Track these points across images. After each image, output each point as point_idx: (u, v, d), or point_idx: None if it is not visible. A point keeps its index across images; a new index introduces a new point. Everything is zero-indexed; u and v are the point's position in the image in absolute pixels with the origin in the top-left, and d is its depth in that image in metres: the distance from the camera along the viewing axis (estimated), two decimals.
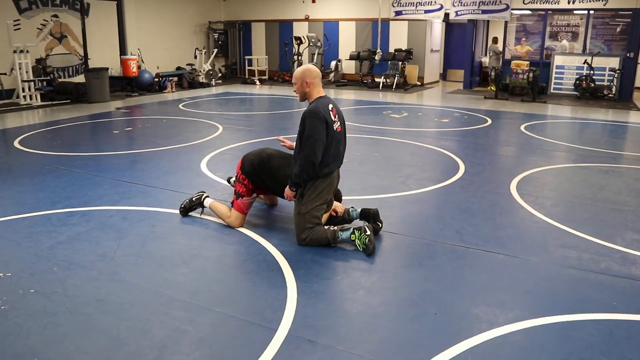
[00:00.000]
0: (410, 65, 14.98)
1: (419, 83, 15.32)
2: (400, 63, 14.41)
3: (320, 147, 3.63)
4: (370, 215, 3.98)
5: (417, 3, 14.47)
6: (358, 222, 4.08)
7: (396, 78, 14.24)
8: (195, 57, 16.06)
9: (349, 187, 5.19)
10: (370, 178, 5.58)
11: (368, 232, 3.64)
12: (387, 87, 14.31)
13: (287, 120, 9.55)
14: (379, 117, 9.82)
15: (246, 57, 17.70)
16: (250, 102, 12.07)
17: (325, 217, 4.02)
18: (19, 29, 11.51)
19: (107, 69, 12.46)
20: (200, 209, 4.44)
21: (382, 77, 14.48)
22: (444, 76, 17.71)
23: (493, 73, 13.43)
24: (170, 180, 5.49)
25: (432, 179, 5.54)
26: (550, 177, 5.78)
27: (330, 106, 3.75)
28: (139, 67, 14.37)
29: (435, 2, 14.26)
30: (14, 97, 11.81)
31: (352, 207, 4.11)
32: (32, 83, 11.69)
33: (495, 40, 14.80)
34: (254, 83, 16.23)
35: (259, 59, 17.48)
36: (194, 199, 4.44)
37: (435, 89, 15.08)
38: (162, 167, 6.06)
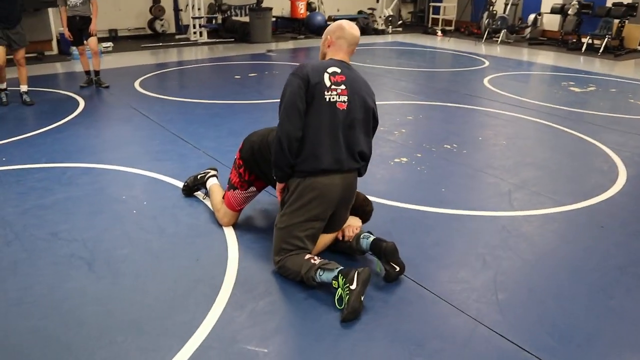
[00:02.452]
0: (632, 24, 11.62)
1: None
2: (616, 21, 11.23)
3: (293, 117, 2.47)
4: (381, 252, 2.62)
5: None
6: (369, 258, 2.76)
7: (606, 39, 11.16)
8: (377, 1, 14.87)
9: (423, 188, 3.76)
10: (466, 181, 4.00)
11: (354, 286, 2.32)
12: (593, 50, 11.33)
13: (437, 81, 7.92)
14: (552, 88, 7.60)
15: (431, 3, 15.82)
16: (413, 56, 10.53)
17: (328, 238, 2.79)
18: None
19: (271, 9, 12.05)
20: (204, 190, 3.56)
21: (588, 37, 11.50)
22: None
23: None
24: (225, 142, 4.70)
25: (561, 193, 3.75)
26: None
27: (335, 69, 2.55)
28: (313, 9, 13.80)
29: None
30: (187, 33, 12.19)
31: (367, 233, 2.77)
32: (200, 20, 11.88)
33: None
34: (435, 34, 14.47)
35: (447, 7, 15.48)
36: (199, 176, 3.55)
37: None
38: (234, 124, 5.28)
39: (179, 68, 8.53)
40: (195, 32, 11.94)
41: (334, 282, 2.41)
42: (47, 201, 3.50)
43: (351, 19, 14.32)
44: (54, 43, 10.02)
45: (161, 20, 12.14)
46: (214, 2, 12.91)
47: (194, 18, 11.81)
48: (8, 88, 6.11)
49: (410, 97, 6.58)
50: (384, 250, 2.58)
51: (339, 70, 2.58)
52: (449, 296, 2.51)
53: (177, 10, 12.71)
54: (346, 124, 2.57)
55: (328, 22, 13.65)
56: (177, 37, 12.37)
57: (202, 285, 2.56)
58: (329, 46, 2.69)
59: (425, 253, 2.89)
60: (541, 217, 3.38)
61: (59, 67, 8.57)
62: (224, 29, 12.43)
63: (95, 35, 6.79)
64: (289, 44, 11.84)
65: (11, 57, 5.92)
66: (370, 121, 2.69)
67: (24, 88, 6.08)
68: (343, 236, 2.80)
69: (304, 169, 2.54)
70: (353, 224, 2.83)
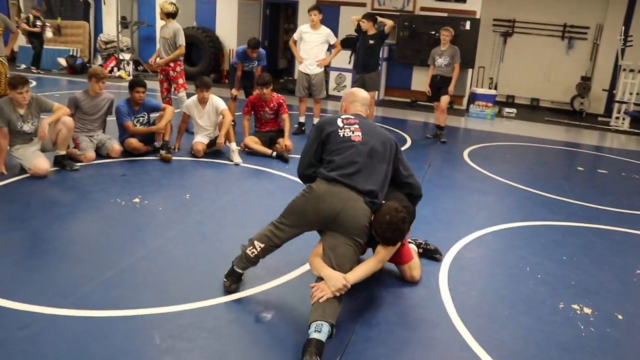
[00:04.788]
0: None
1: None
2: None
3: (303, 160, 3.06)
4: None
5: None
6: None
7: None
8: None
9: None
10: None
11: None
12: None
13: None
14: None
15: None
16: None
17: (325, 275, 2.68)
18: (631, 45, 10.49)
19: None
20: None
21: None
22: None
23: None
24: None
25: None
26: None
27: (348, 116, 3.05)
28: None
29: None
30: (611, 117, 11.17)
31: (325, 323, 2.47)
32: (627, 105, 10.67)
33: None
34: None
35: None
36: None
37: None
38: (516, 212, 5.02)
39: (540, 145, 8.12)
40: (617, 118, 10.81)
41: None
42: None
43: None
44: (465, 99, 11.16)
45: (582, 98, 11.55)
46: None
47: (618, 102, 10.70)
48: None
49: None
50: None
51: (352, 117, 3.03)
52: None
53: (610, 91, 11.75)
54: (365, 152, 2.85)
55: None
56: (599, 119, 11.49)
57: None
58: (345, 111, 3.20)
59: None
60: None
61: (453, 120, 9.42)
62: None
63: (448, 94, 7.43)
64: None
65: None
66: (390, 153, 2.95)
67: None
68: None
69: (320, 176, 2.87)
70: (332, 280, 2.61)
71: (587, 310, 3.23)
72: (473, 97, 10.94)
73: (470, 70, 11.00)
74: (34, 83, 10.34)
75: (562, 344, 2.85)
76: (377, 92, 8.05)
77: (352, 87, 7.47)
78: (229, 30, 12.24)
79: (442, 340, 2.79)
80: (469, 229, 4.32)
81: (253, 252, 2.96)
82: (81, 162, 5.27)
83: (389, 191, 2.97)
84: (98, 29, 13.28)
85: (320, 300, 2.56)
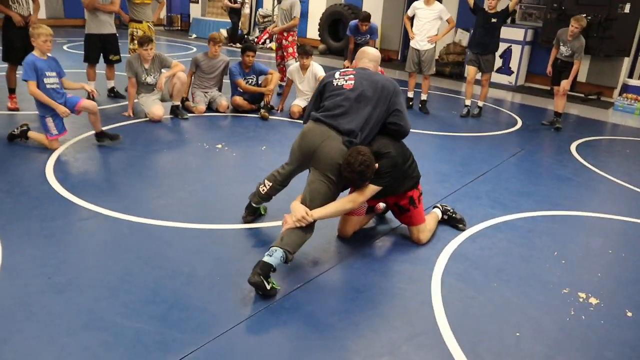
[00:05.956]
0: None
1: None
2: None
3: (307, 107, 3.46)
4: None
5: None
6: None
7: None
8: None
9: None
10: None
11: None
12: None
13: None
14: None
15: None
16: None
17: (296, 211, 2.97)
18: None
19: None
20: None
21: None
22: None
23: None
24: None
25: None
26: None
27: (347, 69, 3.32)
28: None
29: None
30: None
31: (280, 249, 2.80)
32: None
33: None
34: None
35: None
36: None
37: None
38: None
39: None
40: None
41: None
42: None
43: None
44: (616, 92, 10.07)
45: None
46: None
47: None
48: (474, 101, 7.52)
49: None
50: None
51: (350, 69, 3.29)
52: None
53: None
54: (353, 97, 3.09)
55: None
56: None
57: None
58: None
59: None
60: None
61: (594, 112, 8.79)
62: None
63: (567, 81, 6.94)
64: None
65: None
66: (380, 96, 3.11)
67: (480, 103, 7.37)
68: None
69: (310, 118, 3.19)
70: (294, 212, 2.91)
71: (592, 300, 3.07)
72: (625, 89, 9.82)
73: (625, 60, 9.86)
74: (194, 49, 11.88)
75: (534, 322, 2.79)
76: (492, 75, 7.77)
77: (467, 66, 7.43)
78: (374, 7, 12.57)
79: (408, 292, 2.94)
80: (517, 210, 4.22)
81: (263, 189, 3.45)
82: (193, 113, 6.18)
83: (378, 138, 3.17)
84: (259, 3, 14.60)
85: (283, 229, 2.92)
